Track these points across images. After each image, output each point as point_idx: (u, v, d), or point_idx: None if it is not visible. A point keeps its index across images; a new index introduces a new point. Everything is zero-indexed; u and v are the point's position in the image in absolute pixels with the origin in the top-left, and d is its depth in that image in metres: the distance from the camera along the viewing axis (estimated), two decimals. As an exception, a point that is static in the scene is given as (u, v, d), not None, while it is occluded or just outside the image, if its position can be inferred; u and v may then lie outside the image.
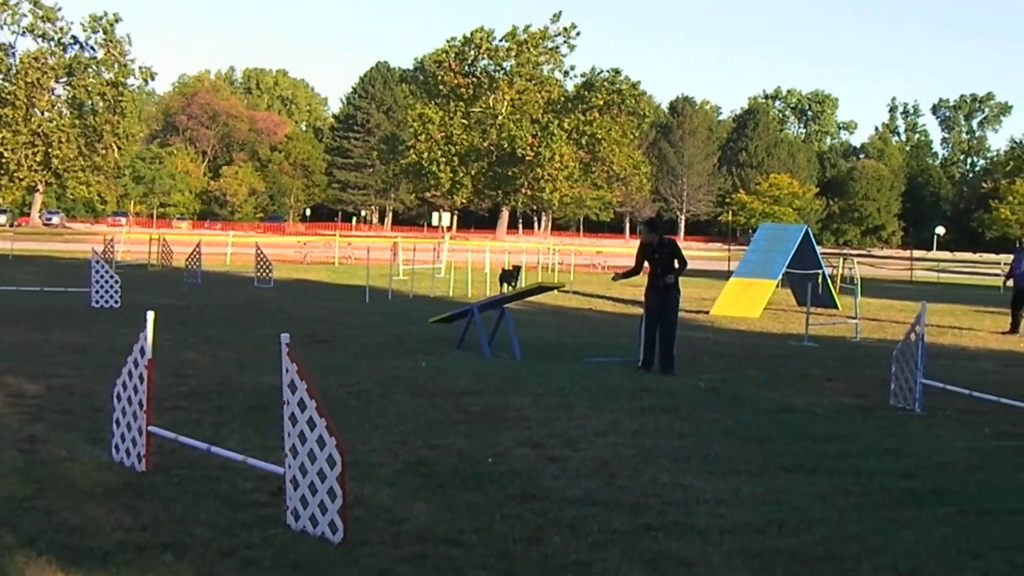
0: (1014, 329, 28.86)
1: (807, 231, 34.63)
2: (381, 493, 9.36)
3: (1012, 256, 30.90)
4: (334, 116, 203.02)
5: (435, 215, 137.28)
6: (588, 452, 11.46)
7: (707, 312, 31.78)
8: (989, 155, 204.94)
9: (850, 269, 44.02)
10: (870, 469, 11.20)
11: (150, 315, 9.52)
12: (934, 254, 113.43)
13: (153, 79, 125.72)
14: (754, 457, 11.58)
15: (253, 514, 8.61)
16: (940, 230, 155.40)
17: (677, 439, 12.36)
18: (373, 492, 9.34)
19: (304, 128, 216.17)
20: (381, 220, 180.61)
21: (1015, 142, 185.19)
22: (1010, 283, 30.62)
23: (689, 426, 13.24)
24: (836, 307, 34.22)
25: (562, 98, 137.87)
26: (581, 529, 8.52)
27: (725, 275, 43.68)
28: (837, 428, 13.58)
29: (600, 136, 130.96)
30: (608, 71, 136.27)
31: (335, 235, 74.39)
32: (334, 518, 7.88)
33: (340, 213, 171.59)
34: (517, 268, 15.51)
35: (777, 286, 33.88)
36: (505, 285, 15.77)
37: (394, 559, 7.61)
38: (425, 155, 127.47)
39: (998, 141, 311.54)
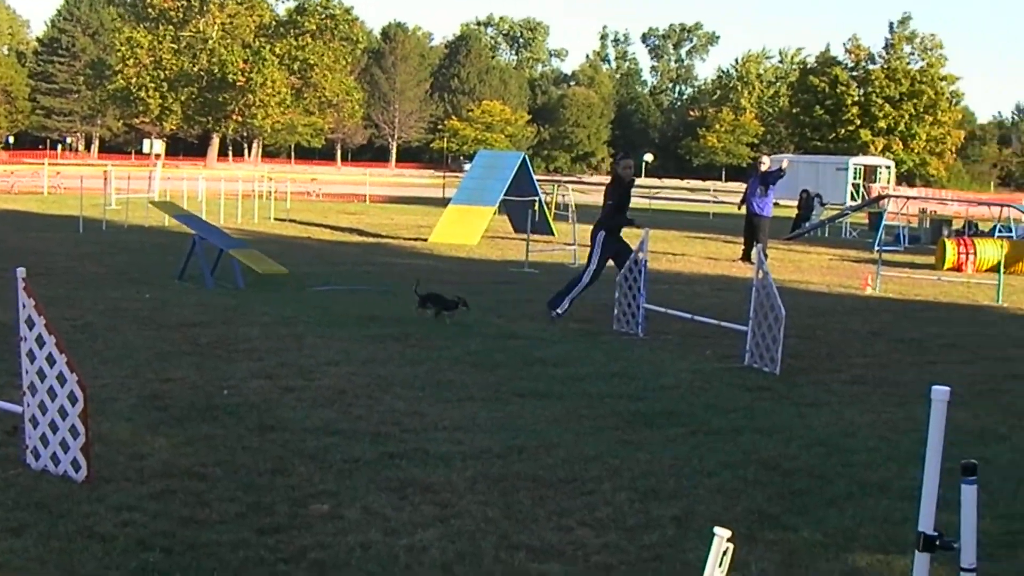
0: (746, 256, 29.07)
1: (524, 158, 34.96)
2: (119, 428, 9.24)
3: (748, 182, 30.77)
4: (38, 39, 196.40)
5: (146, 142, 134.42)
6: (323, 382, 11.50)
7: (425, 240, 31.95)
8: (697, 84, 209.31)
9: (564, 196, 44.68)
10: (600, 392, 11.51)
11: None
12: (643, 180, 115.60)
13: None
14: (487, 383, 11.77)
15: (-12, 454, 8.41)
16: (649, 157, 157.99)
17: (409, 367, 12.49)
18: (111, 428, 9.18)
19: (6, 52, 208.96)
20: (88, 147, 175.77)
21: (722, 71, 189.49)
22: (743, 208, 30.28)
23: (420, 353, 13.38)
24: (553, 233, 34.70)
25: (274, 22, 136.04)
26: (324, 459, 8.57)
27: (441, 202, 43.95)
28: (565, 353, 13.90)
29: (313, 62, 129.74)
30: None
31: (44, 163, 72.21)
32: (76, 456, 7.73)
33: (48, 141, 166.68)
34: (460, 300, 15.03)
35: (495, 213, 34.19)
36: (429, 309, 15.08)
37: (140, 496, 7.52)
38: (133, 80, 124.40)
39: (706, 70, 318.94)
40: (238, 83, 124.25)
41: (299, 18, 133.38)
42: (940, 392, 4.44)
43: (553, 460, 8.83)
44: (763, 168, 29.49)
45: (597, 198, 29.12)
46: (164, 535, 6.80)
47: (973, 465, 4.40)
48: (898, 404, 11.67)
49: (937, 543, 4.39)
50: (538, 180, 38.43)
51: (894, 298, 22.88)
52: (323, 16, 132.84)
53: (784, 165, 29.59)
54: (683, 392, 11.82)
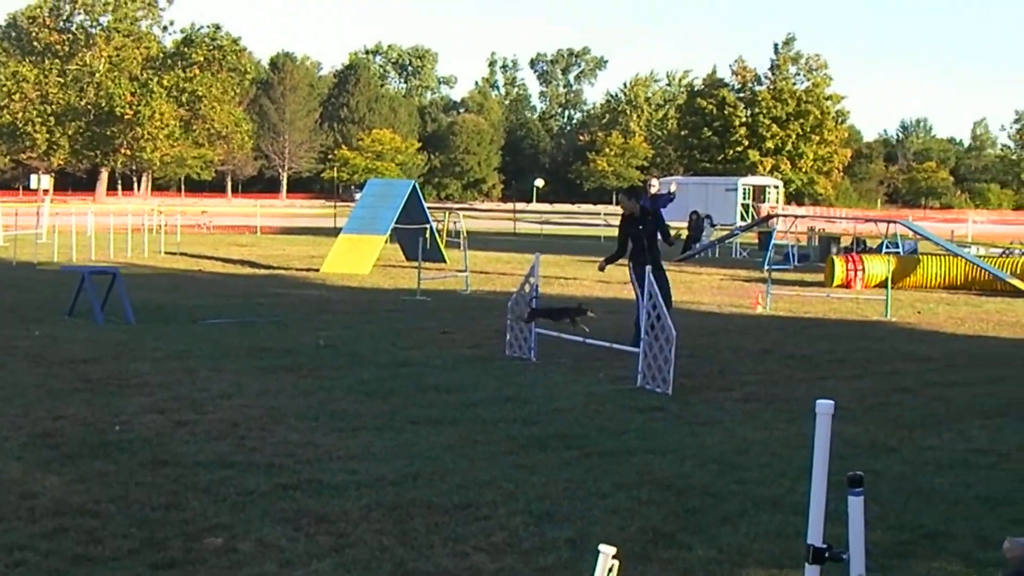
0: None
1: (415, 186, 35.05)
2: (10, 467, 9.14)
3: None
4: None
5: (33, 177, 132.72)
6: (215, 415, 11.44)
7: (317, 270, 31.85)
8: (586, 108, 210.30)
9: (456, 223, 44.74)
10: (494, 417, 11.56)
11: None
12: (535, 206, 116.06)
13: None
14: (380, 412, 11.78)
15: None
16: (539, 182, 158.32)
17: (303, 397, 12.47)
18: (1, 467, 9.10)
19: None
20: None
21: (610, 95, 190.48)
22: None
23: (313, 383, 13.37)
24: (444, 261, 34.74)
25: (161, 55, 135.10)
26: (218, 492, 8.52)
27: (332, 232, 43.82)
28: (458, 379, 13.94)
29: (201, 93, 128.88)
30: (208, 26, 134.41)
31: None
32: (-34, 495, 7.66)
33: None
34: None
35: (386, 241, 34.17)
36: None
37: (32, 535, 7.43)
38: (20, 115, 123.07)
39: (594, 94, 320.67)
40: (126, 116, 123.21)
41: (186, 50, 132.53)
42: (824, 406, 4.51)
43: (448, 486, 8.85)
44: (652, 191, 29.77)
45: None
46: (57, 573, 6.74)
47: (859, 477, 4.47)
48: (789, 420, 11.82)
49: (826, 555, 4.46)
50: (429, 208, 38.48)
51: (784, 316, 23.17)
52: (210, 48, 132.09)
53: (673, 188, 29.83)
54: (576, 415, 11.89)
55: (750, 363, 16.18)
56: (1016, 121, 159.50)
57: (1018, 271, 31.44)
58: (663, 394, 13.09)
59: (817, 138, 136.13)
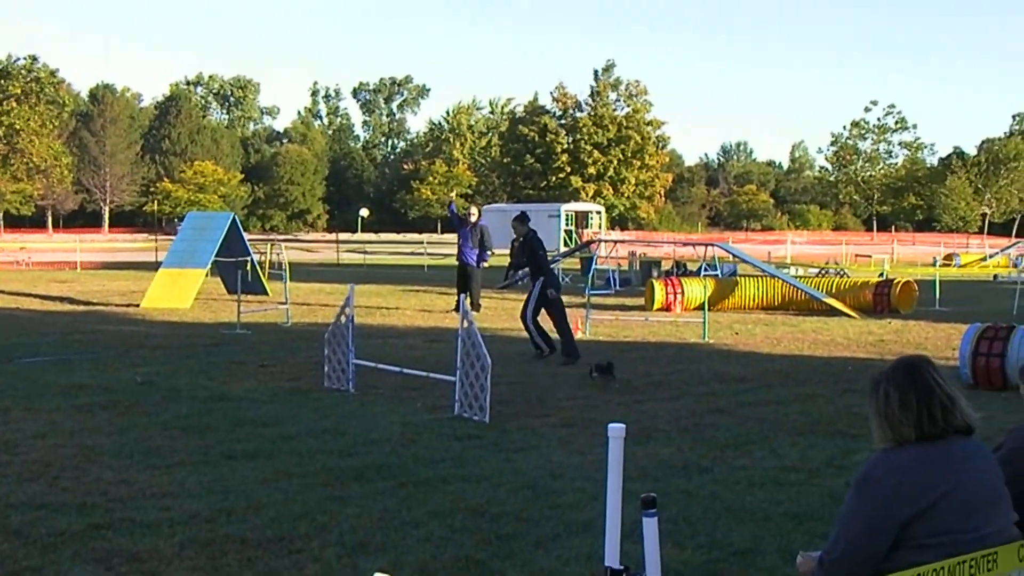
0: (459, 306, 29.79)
1: (234, 218, 34.76)
2: None
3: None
4: None
5: None
6: (29, 455, 11.28)
7: (138, 305, 31.45)
8: (409, 137, 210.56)
9: (278, 254, 44.49)
10: (311, 450, 11.56)
11: None
12: (360, 236, 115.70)
13: None
14: (196, 447, 11.72)
15: None
16: (364, 212, 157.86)
17: (118, 435, 12.34)
18: None
19: None
20: None
21: (434, 124, 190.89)
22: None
23: (129, 421, 13.25)
24: (266, 293, 34.51)
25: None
26: (29, 534, 8.43)
27: (153, 266, 43.34)
28: (275, 412, 13.91)
29: (19, 127, 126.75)
30: (25, 58, 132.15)
31: None
32: None
33: None
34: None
35: (207, 275, 33.88)
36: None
37: None
38: None
39: (418, 123, 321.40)
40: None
41: (3, 82, 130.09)
42: (615, 429, 4.65)
43: (262, 520, 8.85)
44: (472, 219, 30.17)
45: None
46: None
47: (653, 498, 4.59)
48: (604, 443, 11.86)
49: (624, 575, 4.56)
50: (253, 240, 38.25)
51: (604, 340, 23.44)
52: (28, 79, 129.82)
53: (474, 218, 30.39)
54: (393, 445, 11.94)
55: (568, 388, 16.33)
56: (832, 143, 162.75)
57: (833, 290, 32.19)
58: (480, 422, 13.19)
59: (639, 163, 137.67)
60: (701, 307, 26.42)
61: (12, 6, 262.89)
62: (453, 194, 37.44)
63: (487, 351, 13.31)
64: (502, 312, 29.84)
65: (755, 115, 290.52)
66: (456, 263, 30.99)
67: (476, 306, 28.65)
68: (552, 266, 20.78)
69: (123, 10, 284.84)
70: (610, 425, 4.61)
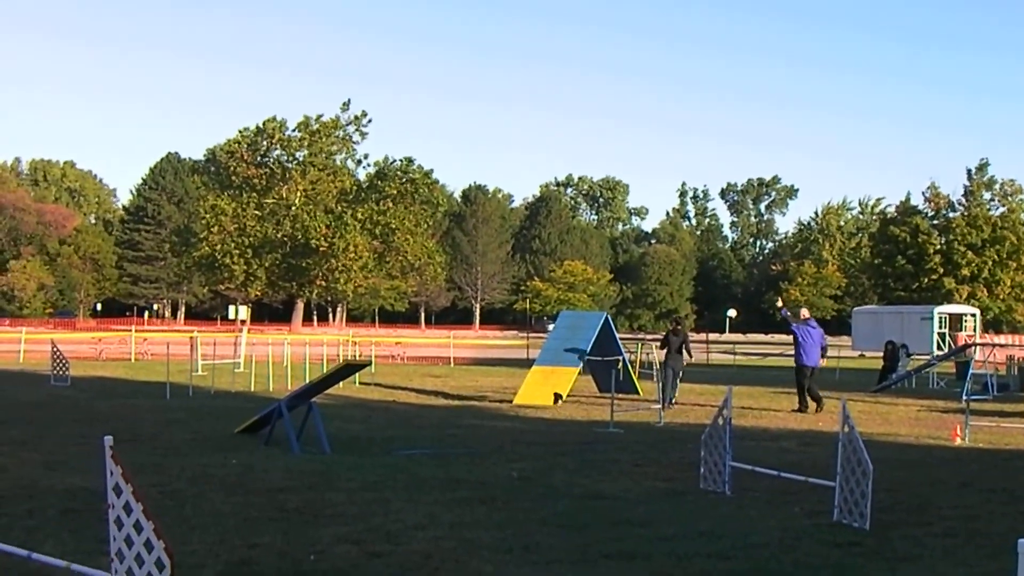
0: (804, 406, 30.09)
1: (607, 318, 35.00)
2: (208, 596, 9.26)
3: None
4: (124, 208, 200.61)
5: (231, 308, 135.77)
6: (409, 546, 11.46)
7: (511, 402, 31.87)
8: (777, 237, 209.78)
9: (648, 354, 44.58)
10: (688, 552, 11.40)
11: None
12: (727, 336, 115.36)
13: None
14: (574, 545, 11.69)
15: (78, 621, 8.42)
16: (732, 312, 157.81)
17: (496, 530, 12.43)
18: (199, 596, 9.23)
19: (93, 221, 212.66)
20: (174, 314, 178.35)
21: (802, 224, 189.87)
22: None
23: (506, 516, 13.32)
24: (638, 392, 34.58)
25: (355, 187, 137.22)
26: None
27: (524, 363, 43.96)
28: (652, 513, 13.80)
29: (394, 225, 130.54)
30: (401, 160, 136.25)
31: (131, 330, 72.93)
32: (164, 622, 7.74)
33: (134, 307, 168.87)
34: None
35: (579, 373, 34.12)
36: None
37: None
38: (218, 247, 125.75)
39: (785, 224, 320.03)
40: (321, 248, 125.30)
41: (380, 183, 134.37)
42: (1027, 545, 4.40)
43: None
44: (804, 317, 30.32)
45: (684, 355, 29.57)
46: None
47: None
48: (991, 556, 11.50)
49: None
50: (622, 339, 38.41)
51: (984, 448, 22.61)
52: (403, 181, 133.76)
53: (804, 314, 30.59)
54: (772, 550, 11.68)
55: (949, 497, 15.78)
56: None
57: None
58: (860, 529, 12.82)
59: (1014, 264, 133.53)
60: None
61: (390, 110, 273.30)
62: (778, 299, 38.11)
63: (868, 456, 12.98)
64: (876, 416, 29.23)
65: None
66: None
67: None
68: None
69: (496, 114, 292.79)
70: (1020, 541, 4.35)
